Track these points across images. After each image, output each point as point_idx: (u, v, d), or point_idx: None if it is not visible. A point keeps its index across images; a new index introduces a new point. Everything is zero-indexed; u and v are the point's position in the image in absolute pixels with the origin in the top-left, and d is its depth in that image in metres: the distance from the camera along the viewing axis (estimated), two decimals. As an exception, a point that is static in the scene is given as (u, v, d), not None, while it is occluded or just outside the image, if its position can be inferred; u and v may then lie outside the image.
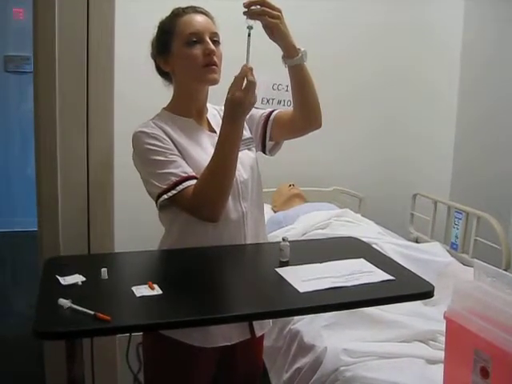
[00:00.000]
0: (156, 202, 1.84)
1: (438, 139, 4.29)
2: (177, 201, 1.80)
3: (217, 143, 1.79)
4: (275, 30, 1.82)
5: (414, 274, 1.78)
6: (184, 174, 1.79)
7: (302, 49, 1.89)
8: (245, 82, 1.73)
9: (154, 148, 1.81)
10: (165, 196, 1.79)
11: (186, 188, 1.77)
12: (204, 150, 1.91)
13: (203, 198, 1.76)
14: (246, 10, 1.79)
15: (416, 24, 4.14)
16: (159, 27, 1.95)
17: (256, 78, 1.74)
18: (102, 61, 2.39)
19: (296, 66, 1.91)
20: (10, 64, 5.94)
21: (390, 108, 4.21)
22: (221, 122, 1.99)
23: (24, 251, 5.42)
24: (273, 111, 2.08)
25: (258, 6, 1.78)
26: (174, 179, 1.78)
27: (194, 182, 1.79)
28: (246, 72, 1.73)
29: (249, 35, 1.78)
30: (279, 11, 1.81)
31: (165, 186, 1.79)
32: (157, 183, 1.80)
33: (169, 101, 2.01)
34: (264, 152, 2.13)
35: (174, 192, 1.78)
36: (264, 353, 2.59)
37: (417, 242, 3.62)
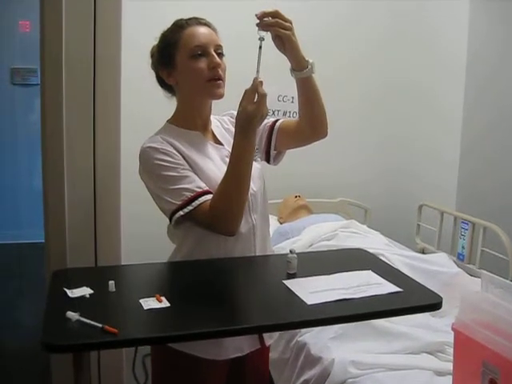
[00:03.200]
0: (170, 219, 1.82)
1: (444, 149, 4.28)
2: (193, 216, 1.78)
3: (231, 157, 1.78)
4: (287, 41, 1.82)
5: (422, 285, 1.78)
6: (199, 189, 1.78)
7: (311, 60, 1.89)
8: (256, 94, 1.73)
9: (165, 164, 1.80)
10: (180, 212, 1.77)
11: (202, 203, 1.76)
12: (214, 163, 1.91)
13: (221, 212, 1.75)
14: (259, 21, 1.78)
15: (420, 34, 4.14)
16: (162, 39, 1.94)
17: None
18: (109, 73, 2.39)
19: (305, 78, 1.91)
20: (17, 76, 5.96)
21: (395, 119, 4.20)
22: (225, 132, 2.00)
23: (30, 263, 5.42)
24: (276, 121, 2.08)
25: (270, 18, 1.78)
26: (188, 195, 1.77)
27: (209, 196, 1.78)
28: (257, 85, 1.72)
29: (260, 47, 1.77)
30: (290, 22, 1.81)
31: (179, 202, 1.77)
32: (170, 199, 1.78)
33: (170, 112, 2.00)
34: (268, 161, 2.12)
35: (189, 208, 1.76)
36: (271, 365, 2.59)
37: (423, 252, 3.61)
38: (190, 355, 1.81)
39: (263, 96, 1.72)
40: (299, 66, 1.89)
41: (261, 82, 1.73)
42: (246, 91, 1.74)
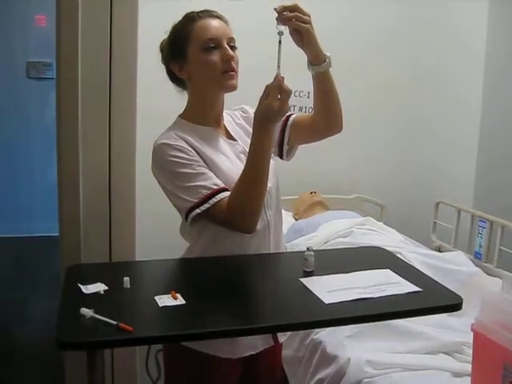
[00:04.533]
0: (186, 217, 1.79)
1: (461, 142, 4.23)
2: (210, 214, 1.76)
3: (249, 153, 1.76)
4: (306, 35, 1.80)
5: (442, 285, 1.76)
6: (215, 187, 1.76)
7: (328, 54, 1.87)
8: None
9: (180, 160, 1.77)
10: (197, 210, 1.75)
11: (219, 201, 1.74)
12: (229, 159, 1.88)
13: (239, 209, 1.73)
14: (278, 15, 1.76)
15: (439, 22, 4.08)
16: (173, 32, 1.91)
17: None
18: (125, 67, 2.38)
19: (322, 72, 1.88)
20: (32, 70, 5.98)
21: (410, 111, 4.15)
22: (237, 128, 1.99)
23: (44, 256, 5.45)
24: (290, 115, 2.05)
25: (288, 12, 1.76)
26: (205, 192, 1.75)
27: (226, 193, 1.76)
28: (280, 81, 1.70)
29: (280, 42, 1.74)
30: (309, 16, 1.79)
31: (196, 200, 1.75)
32: (186, 197, 1.76)
33: (182, 107, 1.98)
34: (281, 157, 2.09)
35: (207, 206, 1.74)
36: (285, 362, 2.58)
37: (439, 250, 3.58)
38: (204, 354, 1.79)
39: (288, 93, 1.70)
40: (317, 60, 1.86)
41: (283, 78, 1.71)
42: (268, 87, 1.71)
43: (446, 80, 4.16)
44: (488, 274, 3.00)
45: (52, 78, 5.12)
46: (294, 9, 1.76)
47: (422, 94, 4.15)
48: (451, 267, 2.89)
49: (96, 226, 2.43)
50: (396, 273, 1.79)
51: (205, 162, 1.82)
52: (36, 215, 6.17)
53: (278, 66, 1.73)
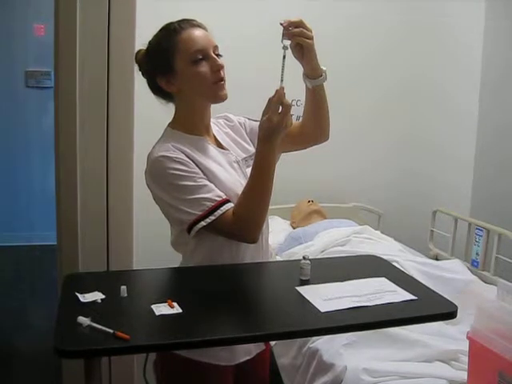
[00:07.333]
0: (189, 229, 1.77)
1: (458, 151, 4.26)
2: (215, 226, 1.75)
3: (253, 166, 1.76)
4: (307, 50, 1.82)
5: (437, 293, 1.75)
6: (219, 198, 1.75)
7: (324, 68, 1.90)
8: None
9: (181, 173, 1.75)
10: (202, 223, 1.73)
11: (224, 213, 1.73)
12: (224, 168, 1.88)
13: (246, 220, 1.74)
14: (284, 30, 1.77)
15: (435, 34, 4.14)
16: (155, 45, 1.87)
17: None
18: (123, 75, 2.40)
19: (318, 85, 1.92)
20: (31, 79, 5.99)
21: (408, 120, 4.18)
22: (225, 137, 1.98)
23: (42, 265, 5.45)
24: None
25: (293, 27, 1.77)
26: (209, 204, 1.74)
27: (230, 205, 1.76)
28: (281, 95, 1.71)
29: (284, 57, 1.76)
30: (311, 31, 1.81)
31: (200, 213, 1.73)
32: (189, 210, 1.74)
33: (163, 114, 1.95)
34: None
35: (212, 218, 1.73)
36: (283, 370, 2.58)
37: (436, 259, 3.58)
38: (201, 362, 1.79)
39: (288, 107, 1.71)
40: (314, 73, 1.89)
41: (284, 93, 1.72)
42: (270, 101, 1.72)
43: (443, 90, 4.19)
44: (485, 282, 3.01)
45: (50, 87, 5.12)
46: (300, 24, 1.78)
47: (419, 104, 4.18)
48: (448, 275, 2.90)
49: (94, 234, 2.44)
50: (392, 281, 1.79)
51: (203, 172, 1.81)
52: (35, 224, 6.16)
53: (282, 80, 1.74)
